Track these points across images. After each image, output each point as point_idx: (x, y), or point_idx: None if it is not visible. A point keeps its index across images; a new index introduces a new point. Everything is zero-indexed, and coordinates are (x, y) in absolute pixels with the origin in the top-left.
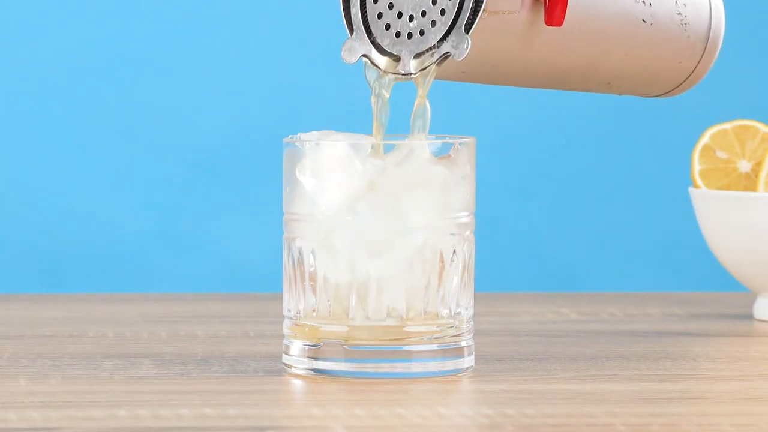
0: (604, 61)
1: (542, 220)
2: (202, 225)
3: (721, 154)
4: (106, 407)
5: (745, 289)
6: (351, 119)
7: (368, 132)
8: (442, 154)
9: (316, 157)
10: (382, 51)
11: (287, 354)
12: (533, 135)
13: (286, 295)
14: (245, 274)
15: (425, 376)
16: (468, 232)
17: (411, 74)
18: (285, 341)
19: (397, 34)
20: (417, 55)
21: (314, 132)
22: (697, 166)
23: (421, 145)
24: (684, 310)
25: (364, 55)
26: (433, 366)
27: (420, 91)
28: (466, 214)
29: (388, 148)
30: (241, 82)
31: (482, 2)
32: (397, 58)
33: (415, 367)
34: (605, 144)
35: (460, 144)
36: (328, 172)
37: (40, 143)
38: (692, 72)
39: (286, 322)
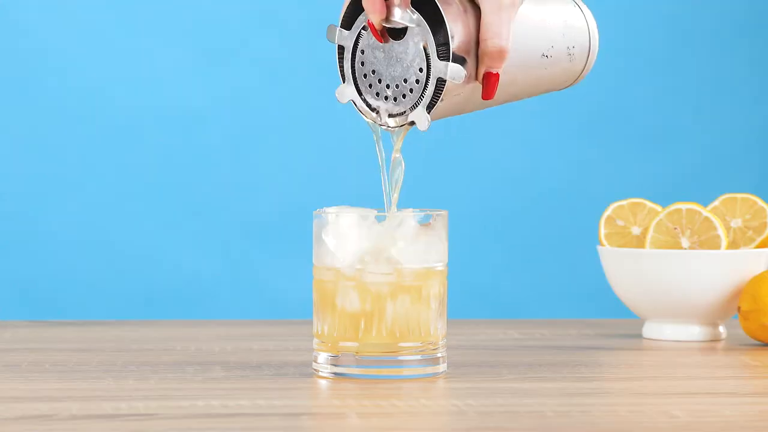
0: (520, 96)
1: (496, 270)
2: (259, 272)
3: (620, 222)
4: (189, 399)
5: (636, 317)
6: (361, 197)
7: (374, 206)
8: (424, 222)
9: (336, 224)
10: (365, 101)
11: (315, 362)
12: (490, 208)
13: (315, 321)
14: (286, 306)
15: (413, 377)
16: (443, 277)
17: (389, 126)
18: (314, 353)
19: (377, 94)
20: (391, 115)
21: (335, 206)
22: (603, 231)
23: (409, 216)
24: (594, 331)
25: (352, 100)
26: (418, 370)
27: (396, 145)
28: (441, 264)
29: (382, 219)
30: (285, 174)
31: (442, 85)
32: (376, 111)
33: (406, 372)
34: (540, 217)
35: (437, 215)
36: (344, 234)
37: (154, 211)
38: (574, 82)
39: (315, 340)
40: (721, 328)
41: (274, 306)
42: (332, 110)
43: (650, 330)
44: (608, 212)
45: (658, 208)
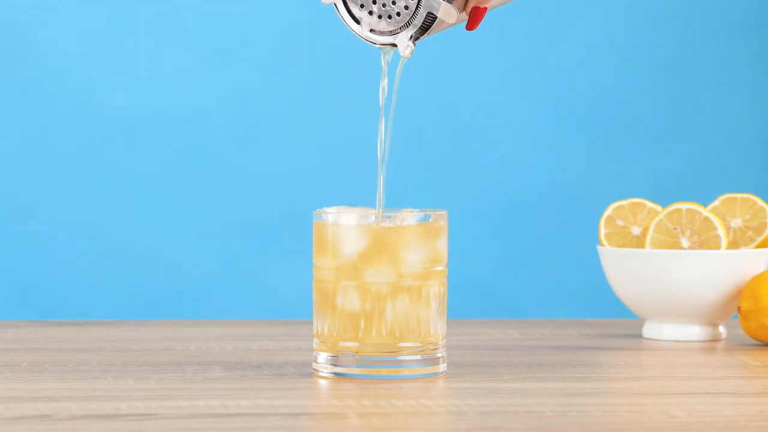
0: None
1: (496, 269)
2: (259, 272)
3: (620, 222)
4: (189, 399)
5: (636, 317)
6: (361, 197)
7: (374, 206)
8: (424, 222)
9: (336, 224)
10: (347, 8)
11: (315, 362)
12: (490, 207)
13: (315, 321)
14: (286, 306)
15: (413, 377)
16: (443, 277)
17: (369, 41)
18: (314, 353)
19: (362, 6)
20: (373, 30)
21: (335, 206)
22: (603, 231)
23: (409, 216)
24: (594, 331)
25: (335, 4)
26: (418, 370)
27: (384, 71)
28: (441, 264)
29: (382, 219)
30: (285, 174)
31: (430, 18)
32: (359, 22)
33: (406, 371)
34: (541, 216)
35: (436, 215)
36: (344, 234)
37: (154, 211)
38: None
39: (315, 340)
40: (721, 328)
41: (274, 306)
42: (332, 110)
43: (650, 330)
44: (608, 212)
45: (658, 208)
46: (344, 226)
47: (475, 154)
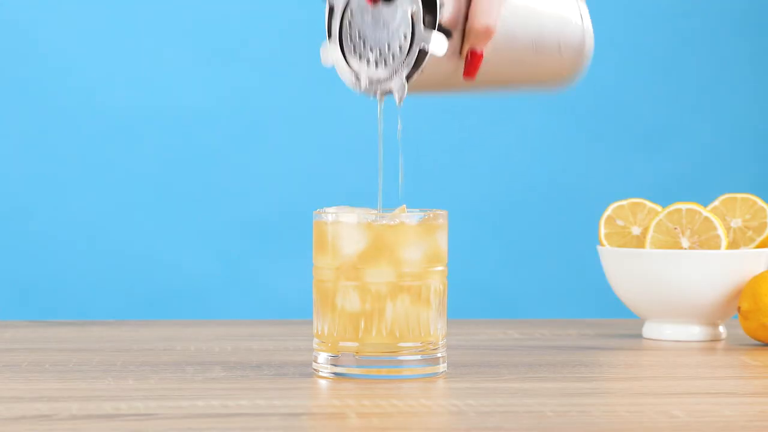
0: (506, 84)
1: (496, 270)
2: (259, 272)
3: (620, 222)
4: (189, 399)
5: (636, 317)
6: (361, 197)
7: (374, 206)
8: (423, 221)
9: (336, 224)
10: (347, 62)
11: (315, 362)
12: (490, 207)
13: (315, 321)
14: (286, 306)
15: (413, 377)
16: (442, 277)
17: (368, 93)
18: (314, 353)
19: (360, 57)
20: (371, 82)
21: (335, 206)
22: (603, 231)
23: (408, 216)
24: (594, 331)
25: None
26: (418, 370)
27: (379, 106)
28: (441, 264)
29: (381, 219)
30: (285, 174)
31: (424, 56)
32: (357, 76)
33: (406, 371)
34: (541, 216)
35: (437, 215)
36: (344, 234)
37: (154, 211)
38: (566, 81)
39: (315, 340)
40: (721, 328)
41: (274, 306)
42: (332, 110)
43: (650, 330)
44: (608, 212)
45: (658, 208)
46: (344, 225)
47: (475, 154)
